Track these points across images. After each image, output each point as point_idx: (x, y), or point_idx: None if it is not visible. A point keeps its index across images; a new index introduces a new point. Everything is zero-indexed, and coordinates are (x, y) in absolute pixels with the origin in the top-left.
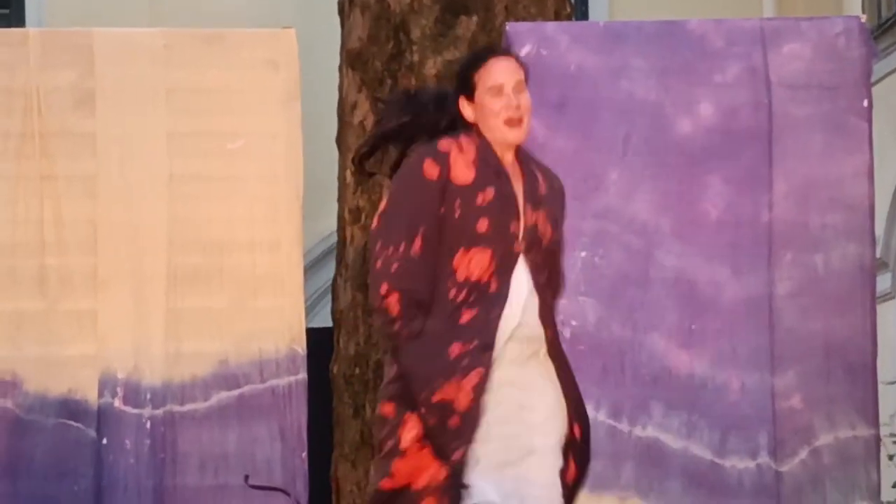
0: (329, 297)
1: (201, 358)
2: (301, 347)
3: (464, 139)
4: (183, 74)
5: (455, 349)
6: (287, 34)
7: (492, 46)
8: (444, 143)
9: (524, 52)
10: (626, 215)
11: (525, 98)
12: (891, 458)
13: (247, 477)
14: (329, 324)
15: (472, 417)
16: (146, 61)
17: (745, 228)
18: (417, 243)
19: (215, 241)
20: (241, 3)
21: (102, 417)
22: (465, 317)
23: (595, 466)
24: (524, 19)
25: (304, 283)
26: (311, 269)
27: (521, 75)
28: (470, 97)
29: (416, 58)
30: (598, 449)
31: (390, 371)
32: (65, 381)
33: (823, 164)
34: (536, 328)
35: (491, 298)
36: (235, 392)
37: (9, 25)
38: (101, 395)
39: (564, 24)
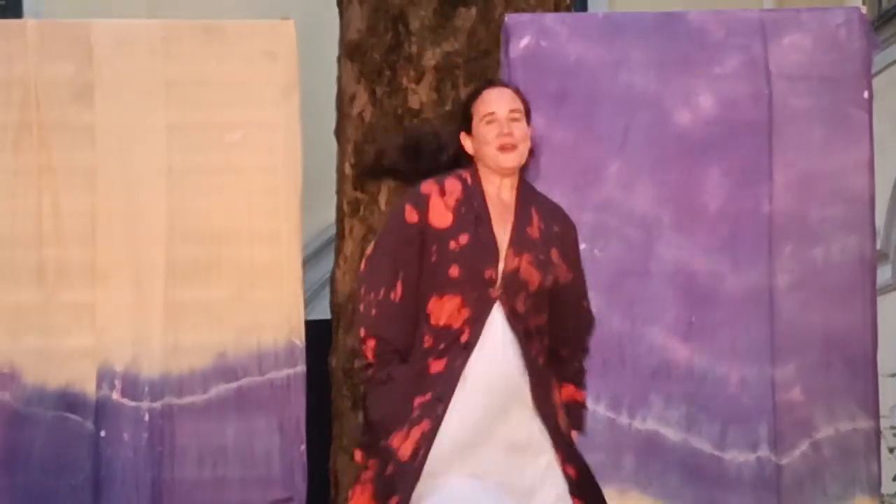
0: (328, 289)
1: (200, 350)
2: (300, 340)
3: (450, 181)
4: (181, 66)
5: (418, 401)
6: (286, 25)
7: (492, 79)
8: (426, 186)
9: (523, 43)
10: (626, 207)
11: (520, 127)
12: (891, 450)
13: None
14: (328, 316)
15: (411, 468)
16: (145, 53)
17: (745, 221)
18: (398, 289)
19: (214, 234)
20: None
21: (101, 410)
22: (434, 367)
23: (595, 459)
24: (523, 10)
25: (302, 275)
26: (309, 261)
27: (518, 104)
28: (469, 130)
29: (414, 49)
30: (598, 441)
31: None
32: (63, 373)
33: (823, 156)
34: (514, 377)
35: (460, 348)
36: (234, 384)
37: (6, 16)
38: (99, 387)
39: (564, 15)
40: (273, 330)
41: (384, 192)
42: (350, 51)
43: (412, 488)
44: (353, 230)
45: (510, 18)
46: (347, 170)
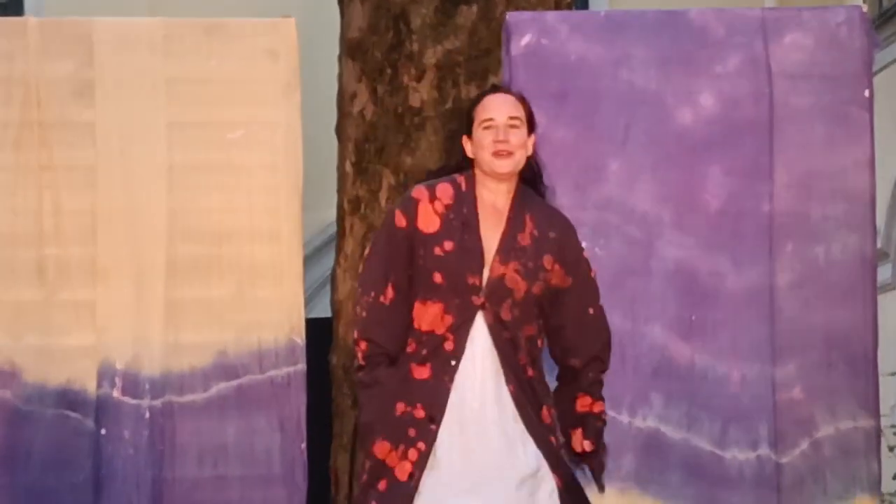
0: (328, 287)
1: (200, 348)
2: (300, 338)
3: (442, 186)
4: (182, 64)
5: (400, 407)
6: (287, 23)
7: (497, 85)
8: (418, 191)
9: (524, 41)
10: (627, 206)
11: (517, 134)
12: (891, 449)
13: None
14: (328, 314)
15: (408, 489)
16: (146, 51)
17: (746, 219)
18: (388, 292)
19: (215, 232)
20: None
21: (101, 408)
22: (418, 373)
23: None
24: (524, 9)
25: (303, 273)
26: (310, 259)
27: (519, 112)
28: (469, 134)
29: (415, 47)
30: None
31: None
32: (63, 371)
33: (824, 155)
34: (494, 389)
35: (445, 358)
36: (234, 383)
37: (7, 15)
38: (99, 385)
39: (565, 13)
40: (274, 328)
41: (385, 191)
42: (351, 49)
43: None
44: (353, 228)
45: (511, 17)
46: (348, 168)
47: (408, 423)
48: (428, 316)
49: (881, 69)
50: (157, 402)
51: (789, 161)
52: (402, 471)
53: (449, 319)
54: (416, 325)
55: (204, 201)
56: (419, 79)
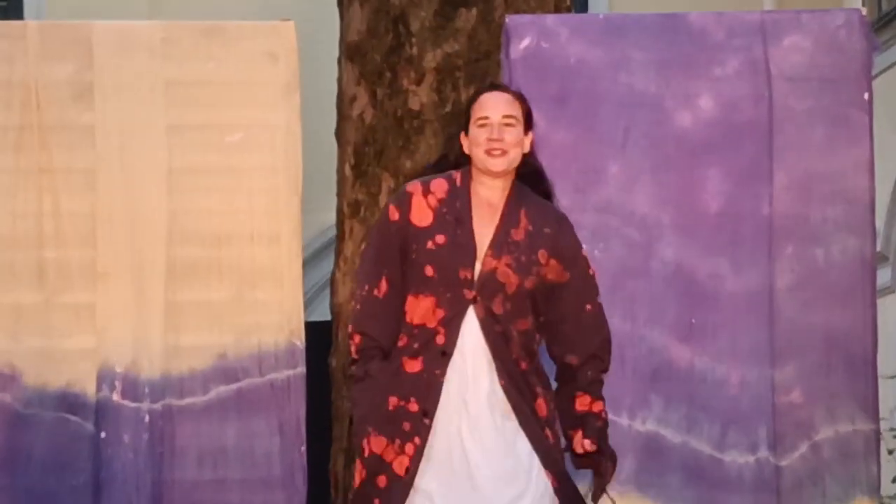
0: (328, 290)
1: (200, 351)
2: (300, 341)
3: (437, 181)
4: (182, 67)
5: (393, 401)
6: (286, 26)
7: (495, 82)
8: (412, 186)
9: (524, 44)
10: (627, 208)
11: (512, 133)
12: (891, 452)
13: None
14: (328, 317)
15: (405, 484)
16: (145, 54)
17: (746, 221)
18: (382, 286)
19: (214, 234)
20: None
21: (101, 411)
22: (409, 366)
23: None
24: (524, 12)
25: (303, 276)
26: (309, 262)
27: (515, 110)
28: (466, 131)
29: (415, 50)
30: None
31: None
32: (63, 374)
33: (824, 157)
34: (487, 383)
35: (436, 351)
36: (234, 386)
37: (7, 18)
38: (99, 388)
39: (564, 16)
40: (273, 331)
41: (384, 194)
42: (350, 52)
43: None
44: (353, 231)
45: (511, 20)
46: (347, 171)
47: (402, 417)
48: (420, 309)
49: (880, 72)
50: (157, 405)
51: (789, 163)
52: (401, 466)
53: (440, 313)
54: (408, 318)
55: (203, 204)
56: (419, 82)
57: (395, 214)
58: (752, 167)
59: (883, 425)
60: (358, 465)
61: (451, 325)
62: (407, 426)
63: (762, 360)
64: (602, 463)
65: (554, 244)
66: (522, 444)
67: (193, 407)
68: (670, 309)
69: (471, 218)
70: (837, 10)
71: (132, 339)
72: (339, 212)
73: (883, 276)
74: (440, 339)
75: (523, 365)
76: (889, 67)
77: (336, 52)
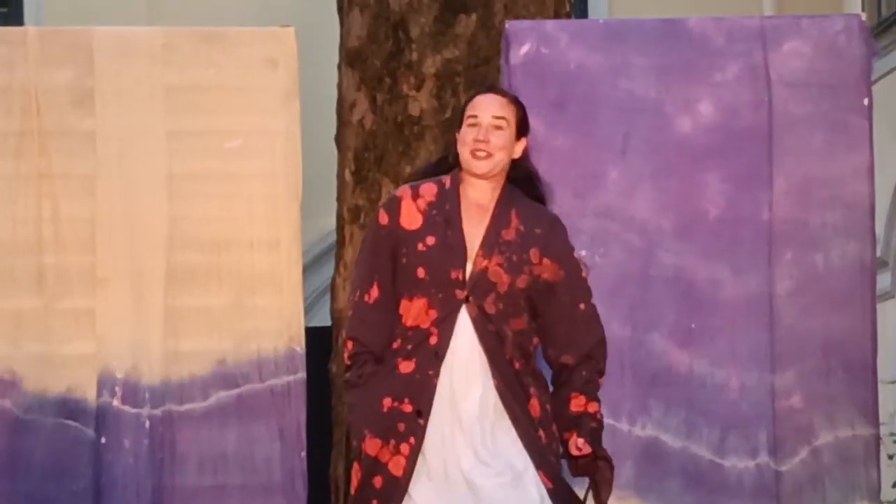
0: (328, 296)
1: (200, 357)
2: (300, 346)
3: (426, 185)
4: (182, 73)
5: (387, 402)
6: (286, 33)
7: (493, 85)
8: (401, 190)
9: (523, 50)
10: (626, 214)
11: (500, 135)
12: (891, 457)
13: None
14: (328, 323)
15: (401, 485)
16: (145, 60)
17: (745, 227)
18: (373, 291)
19: (214, 240)
20: (239, 2)
21: (101, 417)
22: (403, 367)
23: None
24: (523, 17)
25: (302, 282)
26: (309, 267)
27: (506, 113)
28: (459, 130)
29: (415, 56)
30: None
31: None
32: (63, 380)
33: (823, 163)
34: (481, 383)
35: (429, 352)
36: (234, 391)
37: (7, 24)
38: (99, 394)
39: (564, 21)
40: (273, 337)
41: (385, 199)
42: (350, 58)
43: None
44: (353, 237)
45: (510, 25)
46: (348, 177)
47: (396, 418)
48: (413, 311)
49: (880, 77)
50: (157, 411)
51: (788, 169)
52: (397, 466)
53: (433, 314)
54: (402, 321)
55: (203, 210)
56: (418, 88)
57: (384, 219)
58: (752, 172)
59: (883, 430)
60: (355, 467)
61: (444, 326)
62: (402, 427)
63: (762, 365)
64: (599, 467)
65: (546, 244)
66: (515, 447)
67: (193, 413)
68: (670, 314)
69: (460, 219)
70: (837, 15)
71: (132, 344)
72: (339, 217)
73: (883, 281)
74: (433, 340)
75: (517, 365)
76: (889, 73)
77: (336, 58)
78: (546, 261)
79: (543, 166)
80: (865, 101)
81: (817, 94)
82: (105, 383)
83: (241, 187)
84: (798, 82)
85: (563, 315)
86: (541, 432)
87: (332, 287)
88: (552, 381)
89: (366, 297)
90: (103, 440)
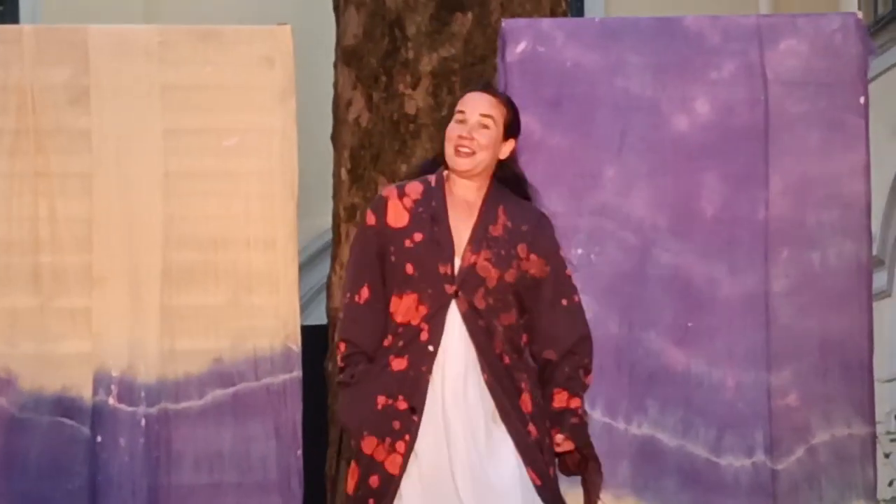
0: (324, 294)
1: (196, 355)
2: (296, 345)
3: (412, 184)
4: (178, 71)
5: (381, 400)
6: (282, 31)
7: (487, 83)
8: (387, 190)
9: (519, 48)
10: (623, 212)
11: (485, 134)
12: (887, 455)
13: None
14: (324, 321)
15: (396, 482)
16: (141, 58)
17: (742, 226)
18: (364, 292)
19: (210, 239)
20: (236, 0)
21: (97, 415)
22: (396, 364)
23: None
24: (520, 16)
25: (298, 280)
26: (306, 266)
27: (495, 112)
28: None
29: (411, 55)
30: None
31: None
32: (59, 378)
33: (820, 162)
34: (471, 379)
35: (421, 348)
36: (230, 390)
37: (3, 22)
38: (95, 392)
39: (560, 20)
40: (269, 335)
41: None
42: (346, 56)
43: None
44: (349, 236)
45: (507, 24)
46: (344, 175)
47: (391, 415)
48: (403, 308)
49: (876, 76)
50: (153, 410)
51: (785, 168)
52: (393, 464)
53: (423, 309)
54: (393, 318)
55: (199, 208)
56: (415, 86)
57: (371, 219)
58: (748, 171)
59: (879, 429)
60: (352, 467)
61: (435, 321)
62: (397, 424)
63: (758, 364)
64: (588, 468)
65: (533, 240)
66: (505, 444)
67: (189, 411)
68: (666, 313)
69: (447, 215)
70: (833, 13)
71: (128, 343)
72: (336, 216)
73: (879, 279)
74: (424, 336)
75: (507, 360)
76: (885, 71)
77: (332, 57)
78: (533, 256)
79: (539, 165)
80: (862, 100)
81: (813, 93)
82: (101, 382)
83: (237, 186)
84: (794, 81)
85: (545, 310)
86: (531, 427)
87: (328, 286)
88: (538, 378)
89: (356, 298)
90: (99, 439)
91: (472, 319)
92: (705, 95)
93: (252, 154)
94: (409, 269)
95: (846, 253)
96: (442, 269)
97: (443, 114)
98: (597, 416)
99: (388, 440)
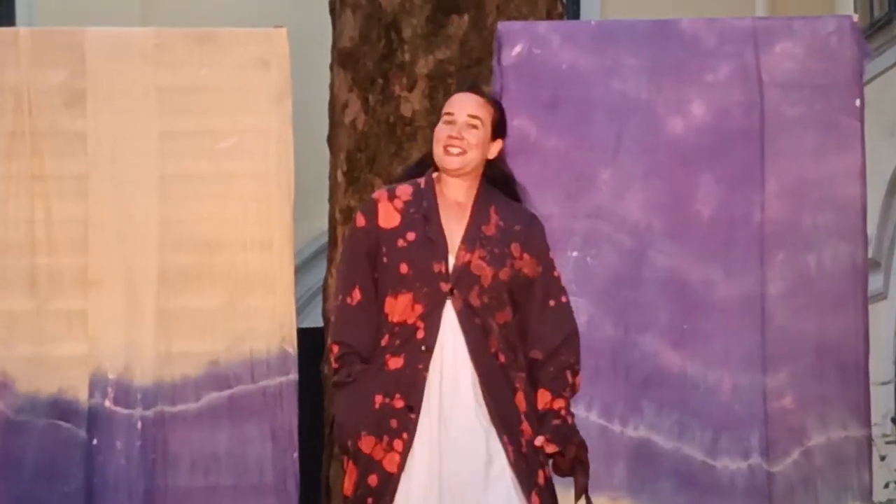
0: (320, 297)
1: (192, 358)
2: (292, 347)
3: (402, 186)
4: (174, 74)
5: (379, 399)
6: (278, 33)
7: (474, 83)
8: (378, 193)
9: (515, 50)
10: (618, 215)
11: (474, 134)
12: (883, 458)
13: None
14: (320, 324)
15: (395, 480)
16: (137, 60)
17: (737, 228)
18: (355, 294)
19: (206, 241)
20: (232, 3)
21: (93, 418)
22: (392, 363)
23: None
24: (515, 18)
25: (295, 282)
26: (302, 268)
27: (483, 112)
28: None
29: (407, 57)
30: (590, 449)
31: None
32: (55, 381)
33: (815, 164)
34: (467, 377)
35: (417, 346)
36: (226, 392)
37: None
38: (91, 395)
39: (556, 23)
40: (265, 338)
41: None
42: (342, 59)
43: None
44: (345, 238)
45: (503, 26)
46: (340, 178)
47: (388, 414)
48: (398, 307)
49: (872, 79)
50: (149, 412)
51: (780, 170)
52: (391, 462)
53: (419, 308)
54: (388, 319)
55: (195, 210)
56: (411, 88)
57: (362, 221)
58: (744, 174)
59: (875, 431)
60: (349, 467)
61: (431, 319)
62: (394, 423)
63: (754, 367)
64: (575, 471)
65: (526, 239)
66: (495, 442)
67: (186, 414)
68: (662, 315)
69: (438, 215)
70: (829, 16)
71: (124, 345)
72: (332, 218)
73: (874, 282)
74: (420, 334)
75: (503, 358)
76: (880, 74)
77: (328, 59)
78: (526, 256)
79: (535, 167)
80: (857, 103)
81: (809, 96)
82: (97, 384)
83: (233, 188)
84: (790, 83)
85: (533, 310)
86: (525, 426)
87: (325, 288)
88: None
89: (348, 300)
90: (95, 441)
91: (468, 317)
92: (701, 98)
93: (248, 156)
94: (404, 268)
95: (842, 255)
96: (436, 268)
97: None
98: (593, 418)
99: (385, 439)
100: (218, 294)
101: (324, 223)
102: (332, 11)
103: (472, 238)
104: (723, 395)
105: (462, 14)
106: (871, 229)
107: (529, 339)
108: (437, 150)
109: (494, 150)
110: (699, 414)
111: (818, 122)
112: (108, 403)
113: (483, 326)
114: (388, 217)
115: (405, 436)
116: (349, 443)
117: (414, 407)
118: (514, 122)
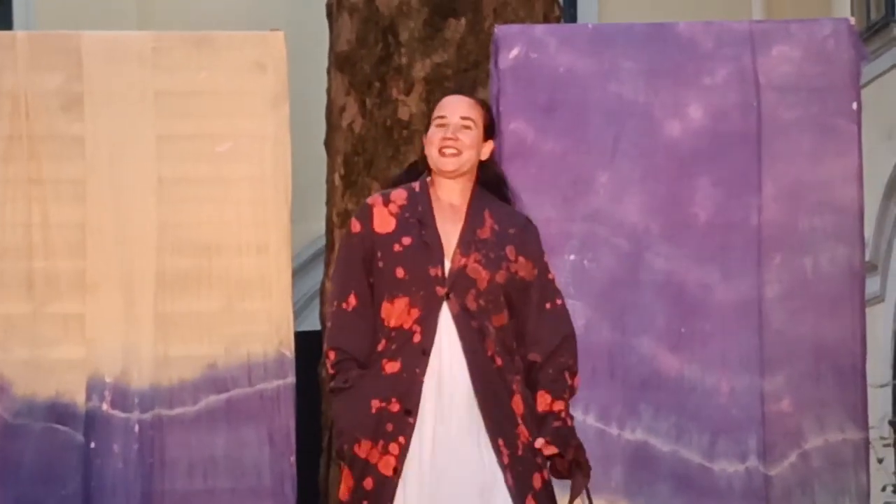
0: (317, 300)
1: (190, 361)
2: (289, 351)
3: (396, 191)
4: (171, 77)
5: (375, 404)
6: (275, 37)
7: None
8: (372, 198)
9: (513, 54)
10: (616, 218)
11: (468, 135)
12: (880, 461)
13: None
14: (318, 327)
15: (392, 484)
16: (135, 64)
17: (735, 231)
18: (351, 299)
19: (203, 244)
20: (229, 6)
21: (90, 421)
22: (389, 368)
23: None
24: (513, 22)
25: (292, 286)
26: (299, 272)
27: (474, 114)
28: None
29: (404, 60)
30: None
31: None
32: (52, 384)
33: (812, 167)
34: (463, 381)
35: (414, 350)
36: (224, 396)
37: None
38: (89, 398)
39: (553, 26)
40: (263, 341)
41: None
42: (340, 62)
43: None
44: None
45: (500, 30)
46: (337, 181)
47: (384, 418)
48: (395, 312)
49: (869, 82)
50: (147, 416)
51: (777, 173)
52: (387, 466)
53: (416, 312)
54: (385, 323)
55: (193, 214)
56: (408, 92)
57: (356, 227)
58: (741, 177)
59: (872, 434)
60: (345, 472)
61: (427, 323)
62: (390, 427)
63: (751, 369)
64: (573, 473)
65: (521, 243)
66: (489, 446)
67: (183, 417)
68: (660, 318)
69: (433, 219)
70: (826, 19)
71: (122, 349)
72: (329, 222)
73: (871, 285)
74: (417, 338)
75: (499, 361)
76: (877, 77)
77: (325, 63)
78: (521, 259)
79: (532, 171)
80: (854, 106)
81: (806, 99)
82: (94, 388)
83: (230, 191)
84: (787, 86)
85: (530, 313)
86: (522, 429)
87: (322, 291)
88: (524, 382)
89: (344, 306)
90: (92, 445)
91: (465, 321)
92: (698, 101)
93: (245, 160)
94: (400, 272)
95: (839, 258)
96: (432, 272)
97: None
98: (590, 421)
99: (381, 443)
100: (215, 297)
101: (321, 226)
102: (330, 15)
103: (467, 242)
104: (720, 397)
105: (459, 17)
106: (868, 232)
107: (527, 342)
108: (432, 153)
109: (486, 150)
110: (696, 417)
111: (815, 125)
112: (105, 407)
113: (479, 330)
114: (384, 222)
115: (401, 439)
116: (346, 448)
117: (411, 410)
118: (511, 126)
